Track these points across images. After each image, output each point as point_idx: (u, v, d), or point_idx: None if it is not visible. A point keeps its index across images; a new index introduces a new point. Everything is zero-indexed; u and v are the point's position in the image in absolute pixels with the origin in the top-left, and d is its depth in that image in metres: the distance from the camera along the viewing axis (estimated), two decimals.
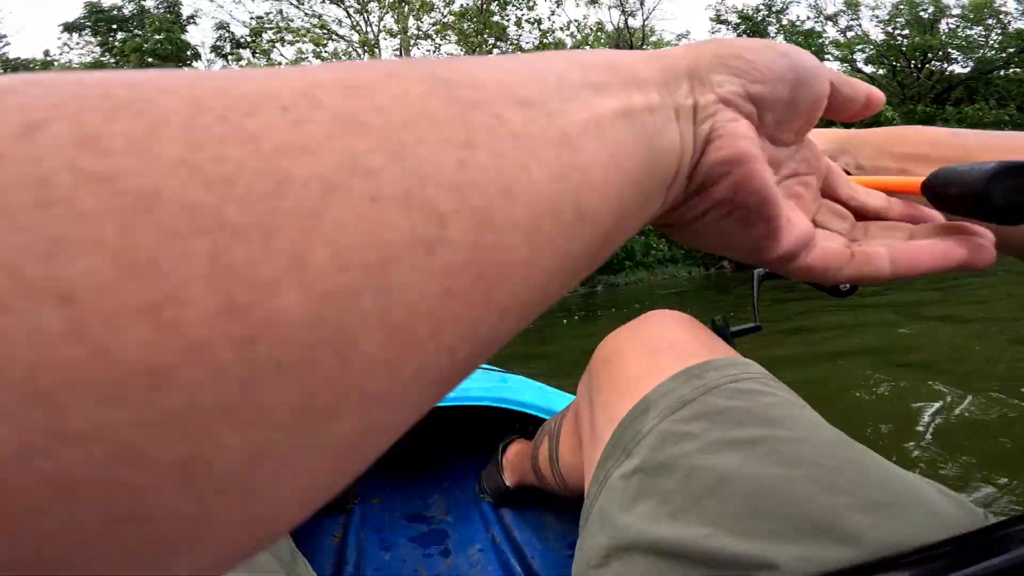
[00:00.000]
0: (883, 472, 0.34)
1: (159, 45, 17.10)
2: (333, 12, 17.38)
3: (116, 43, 18.61)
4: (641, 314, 0.53)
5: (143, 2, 19.15)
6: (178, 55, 17.61)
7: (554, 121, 0.15)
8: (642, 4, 20.53)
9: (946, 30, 22.05)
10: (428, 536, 1.00)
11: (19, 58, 21.36)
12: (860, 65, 24.41)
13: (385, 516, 1.07)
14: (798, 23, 21.64)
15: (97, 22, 18.83)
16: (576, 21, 20.62)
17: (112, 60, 17.59)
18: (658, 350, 0.47)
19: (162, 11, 19.03)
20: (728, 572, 0.31)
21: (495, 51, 16.09)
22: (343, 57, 15.50)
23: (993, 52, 21.43)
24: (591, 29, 20.93)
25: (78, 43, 19.37)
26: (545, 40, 16.40)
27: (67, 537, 0.09)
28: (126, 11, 19.06)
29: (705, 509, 0.34)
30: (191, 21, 19.74)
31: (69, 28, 18.98)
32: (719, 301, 8.61)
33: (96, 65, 17.06)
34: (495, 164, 0.13)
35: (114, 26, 19.08)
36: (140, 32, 18.85)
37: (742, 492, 0.33)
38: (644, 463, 0.39)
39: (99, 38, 18.92)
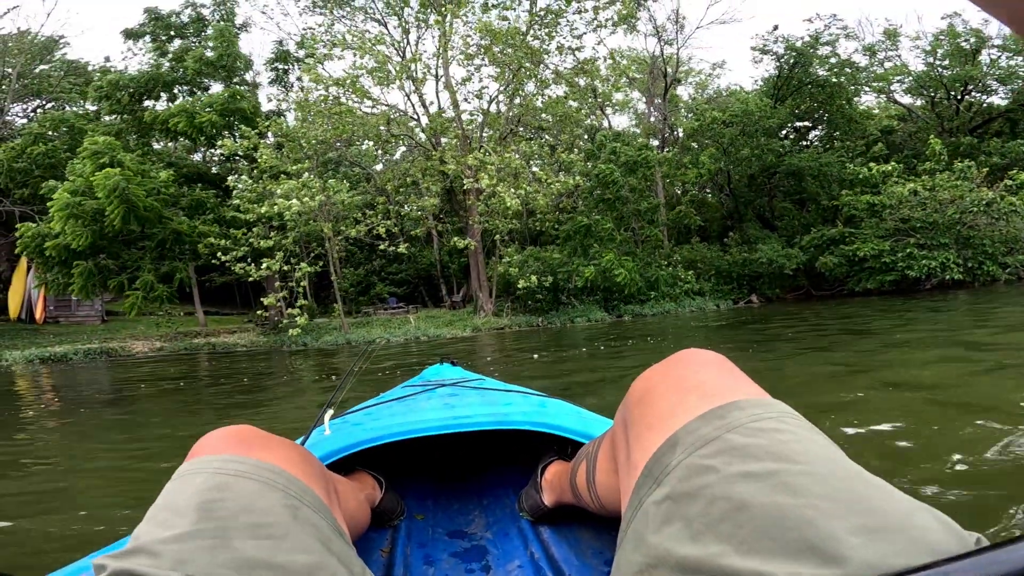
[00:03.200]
0: (881, 499, 0.38)
1: (220, 57, 17.77)
2: (376, 29, 17.89)
3: (172, 50, 19.34)
4: (672, 350, 0.61)
5: (200, 10, 19.85)
6: (233, 65, 18.29)
7: None
8: (679, 32, 20.79)
9: (987, 61, 21.75)
10: (470, 552, 1.03)
11: (79, 61, 22.38)
12: (898, 96, 24.27)
13: (429, 532, 1.12)
14: (842, 56, 21.37)
15: (156, 28, 19.51)
16: (616, 51, 20.88)
17: (168, 65, 18.29)
18: (686, 390, 0.53)
19: (218, 20, 19.67)
20: None
21: (531, 77, 16.46)
22: (389, 75, 16.01)
23: None
24: (627, 58, 21.19)
25: (139, 50, 20.09)
26: (585, 68, 16.70)
27: None
28: (184, 17, 19.74)
29: (722, 532, 0.39)
30: (244, 29, 20.41)
31: (129, 35, 19.72)
32: (746, 338, 8.78)
33: (154, 72, 17.82)
34: None
35: (171, 32, 19.77)
36: (197, 40, 19.52)
37: (754, 517, 0.38)
38: (673, 492, 0.44)
39: (155, 44, 19.62)
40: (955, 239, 15.41)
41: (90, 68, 21.77)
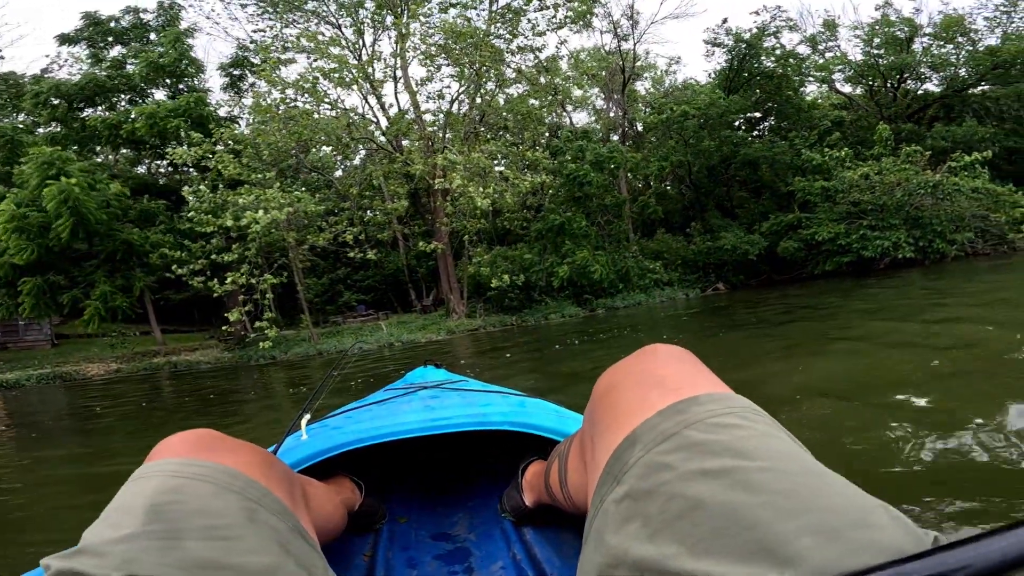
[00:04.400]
0: (837, 498, 0.37)
1: (172, 62, 17.04)
2: (330, 31, 17.49)
3: (110, 57, 18.50)
4: (647, 341, 0.62)
5: (143, 15, 19.03)
6: (184, 71, 17.61)
7: None
8: (634, 28, 21.12)
9: (920, 49, 22.84)
10: (453, 554, 1.04)
11: (12, 73, 21.07)
12: (838, 85, 25.28)
13: (412, 535, 1.12)
14: (785, 46, 22.11)
15: (94, 34, 18.64)
16: (578, 50, 20.99)
17: (104, 74, 17.47)
18: (647, 386, 0.52)
19: (162, 25, 18.92)
20: None
21: (493, 77, 16.41)
22: (346, 78, 15.68)
23: (965, 70, 22.11)
24: (586, 56, 21.37)
25: (67, 60, 19.17)
26: (547, 66, 16.73)
27: None
28: (124, 23, 18.90)
29: (678, 531, 0.38)
30: (190, 34, 19.71)
31: (65, 40, 18.78)
32: (714, 324, 8.97)
33: (96, 79, 16.96)
34: None
35: (110, 38, 18.92)
36: (140, 44, 18.70)
37: (710, 516, 0.38)
38: (632, 490, 0.44)
39: (92, 50, 18.74)
40: (904, 219, 16.14)
41: (23, 79, 20.55)
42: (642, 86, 26.39)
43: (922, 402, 2.96)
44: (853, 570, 0.31)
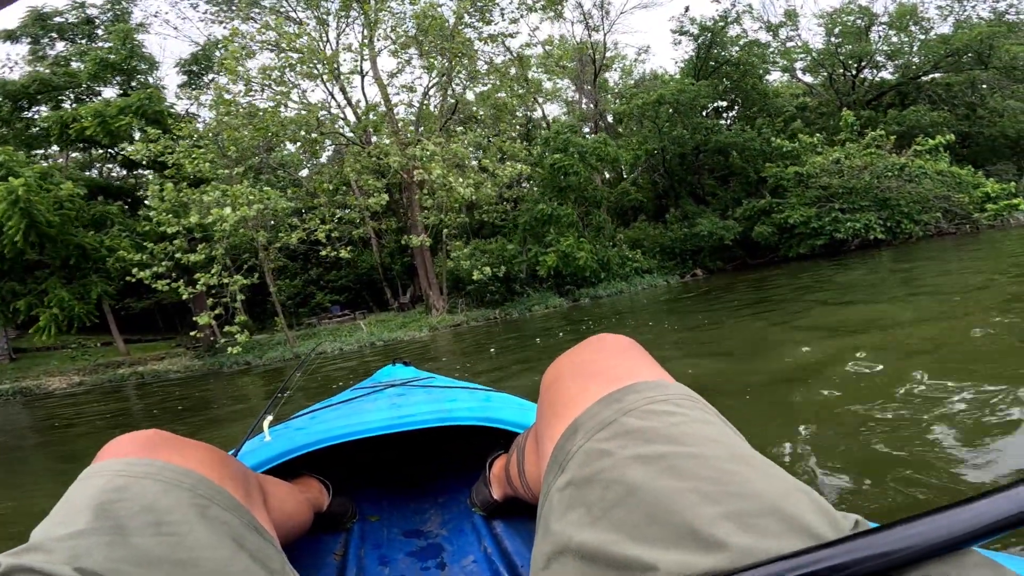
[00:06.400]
0: (760, 483, 0.38)
1: (124, 60, 16.17)
2: (293, 28, 16.89)
3: (53, 54, 17.55)
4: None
5: (88, 11, 18.07)
6: (135, 68, 16.77)
7: None
8: (605, 18, 21.13)
9: (877, 38, 23.47)
10: (425, 551, 1.04)
11: None
12: (799, 74, 25.83)
13: (383, 533, 1.12)
14: (748, 35, 22.44)
15: (37, 31, 17.65)
16: (549, 38, 20.80)
17: (49, 71, 16.54)
18: (589, 375, 0.54)
19: (110, 21, 18.02)
20: (624, 574, 0.36)
21: (465, 68, 16.13)
22: (312, 69, 15.16)
23: (919, 58, 22.78)
24: (557, 44, 21.26)
25: (18, 58, 18.16)
26: (520, 57, 16.53)
27: None
28: (71, 18, 17.94)
29: (615, 517, 0.39)
30: (142, 28, 18.85)
31: (8, 37, 17.72)
32: (693, 309, 9.00)
33: (35, 79, 16.01)
34: None
35: (53, 34, 17.95)
36: (87, 42, 17.81)
37: (643, 502, 0.39)
38: (574, 478, 0.45)
39: (33, 47, 17.78)
40: (873, 201, 16.54)
41: None
42: (611, 77, 26.47)
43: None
44: (774, 556, 0.32)
